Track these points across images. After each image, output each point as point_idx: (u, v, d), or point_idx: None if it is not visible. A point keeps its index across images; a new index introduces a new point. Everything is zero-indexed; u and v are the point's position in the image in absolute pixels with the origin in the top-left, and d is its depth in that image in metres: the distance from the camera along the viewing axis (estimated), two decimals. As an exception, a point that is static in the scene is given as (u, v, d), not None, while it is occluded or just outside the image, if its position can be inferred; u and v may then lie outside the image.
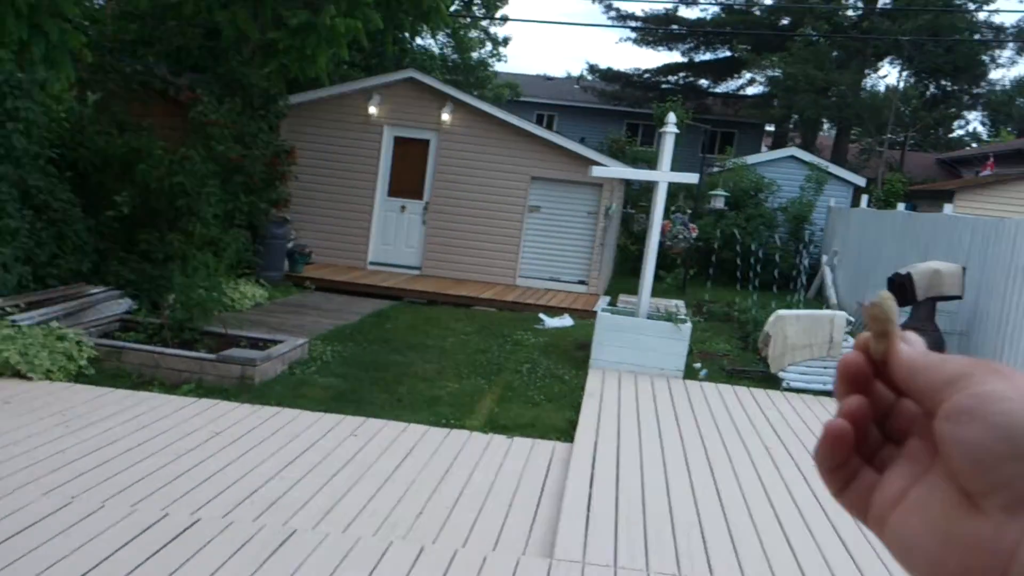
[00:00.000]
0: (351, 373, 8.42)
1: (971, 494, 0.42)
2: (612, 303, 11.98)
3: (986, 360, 0.44)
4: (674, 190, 16.33)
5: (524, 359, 9.68)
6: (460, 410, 7.55)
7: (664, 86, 31.62)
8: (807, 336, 9.12)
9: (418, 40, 22.98)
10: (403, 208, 14.94)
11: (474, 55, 26.60)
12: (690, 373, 9.26)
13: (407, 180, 14.89)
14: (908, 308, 9.06)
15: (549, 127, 25.81)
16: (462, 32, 25.38)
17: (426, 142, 14.80)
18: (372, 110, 14.60)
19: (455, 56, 25.71)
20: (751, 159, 19.93)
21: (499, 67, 28.60)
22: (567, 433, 7.07)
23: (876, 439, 0.49)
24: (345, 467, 5.86)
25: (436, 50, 24.93)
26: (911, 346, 0.47)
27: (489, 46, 27.56)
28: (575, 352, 10.08)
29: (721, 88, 33.01)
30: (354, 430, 6.67)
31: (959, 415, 0.42)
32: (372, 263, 14.85)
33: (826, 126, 31.96)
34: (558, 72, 48.18)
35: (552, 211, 14.64)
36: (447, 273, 14.63)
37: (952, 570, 0.41)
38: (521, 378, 8.85)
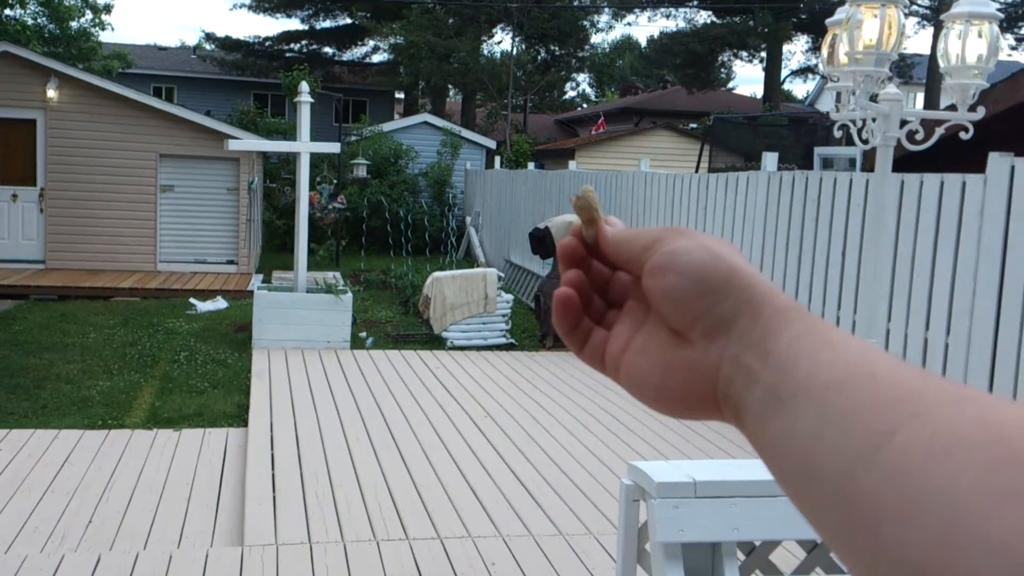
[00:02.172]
0: (-20, 384, 7.50)
1: (679, 330, 0.51)
2: (266, 280, 11.67)
3: (672, 227, 0.53)
4: (316, 161, 16.17)
5: (180, 347, 9.17)
6: (116, 409, 7.03)
7: (289, 55, 31.06)
8: (464, 295, 9.51)
9: (7, 11, 20.62)
10: (14, 196, 13.48)
11: (73, 24, 24.30)
12: (357, 343, 9.30)
13: (15, 165, 13.48)
14: (551, 260, 9.74)
15: (169, 100, 24.26)
16: (56, -1, 23.10)
17: (32, 122, 13.43)
18: (-38, 89, 12.97)
19: (51, 26, 23.39)
20: (387, 126, 20.22)
21: (104, 37, 26.34)
22: (239, 418, 6.84)
23: (601, 306, 0.57)
24: (-7, 487, 5.25)
25: (29, 20, 22.52)
26: (613, 227, 0.56)
27: (89, 14, 25.24)
28: (234, 334, 9.72)
29: (347, 56, 33.06)
30: (-4, 445, 5.97)
31: (657, 270, 0.51)
32: (-16, 260, 13.26)
33: (452, 92, 33.18)
34: (171, 42, 45.58)
35: (188, 190, 13.92)
36: (78, 264, 13.41)
37: (675, 392, 0.51)
38: (180, 367, 8.39)
